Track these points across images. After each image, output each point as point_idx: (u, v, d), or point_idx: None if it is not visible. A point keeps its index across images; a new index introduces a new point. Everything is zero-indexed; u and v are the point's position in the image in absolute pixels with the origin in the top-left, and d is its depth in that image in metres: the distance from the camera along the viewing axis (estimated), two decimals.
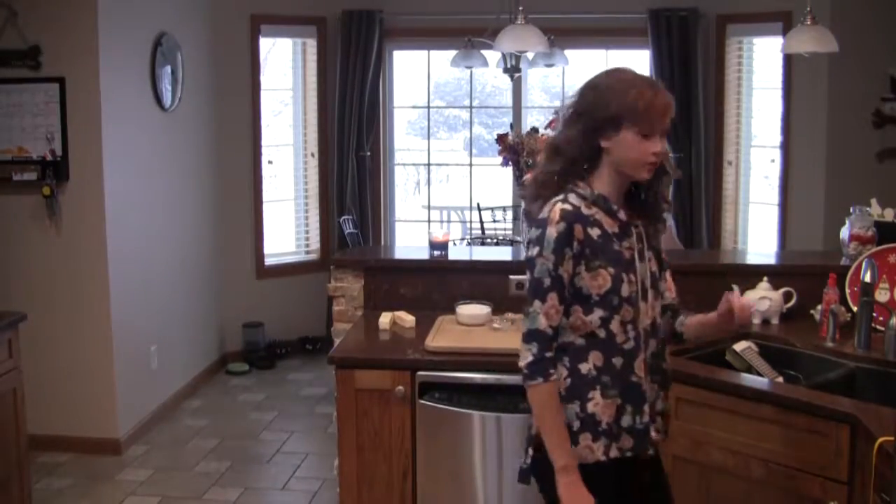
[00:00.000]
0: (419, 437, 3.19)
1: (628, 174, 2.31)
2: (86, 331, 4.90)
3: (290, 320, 6.74)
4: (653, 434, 2.38)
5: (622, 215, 2.33)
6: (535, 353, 2.29)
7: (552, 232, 2.27)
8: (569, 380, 2.32)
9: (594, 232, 2.29)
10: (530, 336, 2.30)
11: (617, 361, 2.31)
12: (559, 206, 2.29)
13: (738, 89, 6.53)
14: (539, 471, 2.39)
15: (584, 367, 2.31)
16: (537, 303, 2.29)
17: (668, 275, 2.49)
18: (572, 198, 2.31)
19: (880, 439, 2.37)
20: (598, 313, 2.30)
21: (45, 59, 4.74)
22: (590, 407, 2.31)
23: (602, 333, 2.31)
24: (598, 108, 2.27)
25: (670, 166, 2.37)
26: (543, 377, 2.28)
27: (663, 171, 2.34)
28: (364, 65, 6.68)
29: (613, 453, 2.32)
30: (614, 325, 2.30)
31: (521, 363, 2.31)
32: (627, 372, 2.32)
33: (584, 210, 2.30)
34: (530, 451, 2.42)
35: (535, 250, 2.30)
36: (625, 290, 2.30)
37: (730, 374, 3.03)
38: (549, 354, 2.29)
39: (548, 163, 2.37)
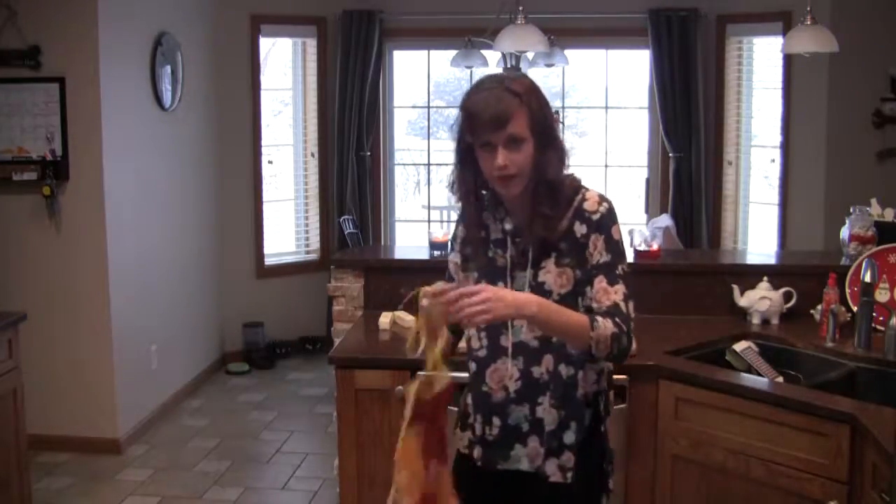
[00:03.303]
0: None
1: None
2: (86, 331, 4.90)
3: (290, 320, 6.74)
4: (527, 453, 2.24)
5: (507, 224, 2.27)
6: None
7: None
8: None
9: (476, 235, 2.30)
10: None
11: (471, 366, 2.32)
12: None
13: (738, 89, 6.53)
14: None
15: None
16: None
17: (597, 283, 2.19)
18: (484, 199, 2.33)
19: (880, 439, 2.37)
20: None
21: (45, 59, 4.74)
22: (469, 398, 2.36)
23: (467, 336, 2.34)
24: None
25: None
26: None
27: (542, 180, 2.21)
28: (364, 65, 6.68)
29: (476, 453, 2.31)
30: (471, 330, 2.30)
31: None
32: (479, 380, 2.29)
33: (484, 213, 2.30)
34: None
35: None
36: None
37: (730, 374, 3.03)
38: None
39: None
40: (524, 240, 2.23)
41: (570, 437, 2.24)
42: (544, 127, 2.17)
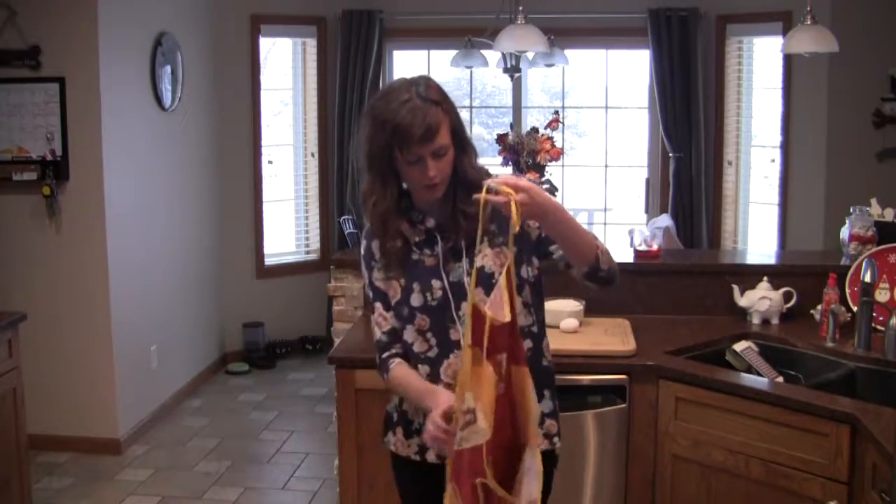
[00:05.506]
0: None
1: None
2: (86, 331, 4.89)
3: (290, 320, 6.74)
4: None
5: (429, 223, 2.26)
6: (377, 357, 2.34)
7: (361, 250, 2.34)
8: None
9: (394, 244, 2.26)
10: (375, 345, 2.35)
11: (422, 369, 2.27)
12: (367, 224, 2.32)
13: (738, 89, 6.53)
14: None
15: None
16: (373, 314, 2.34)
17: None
18: None
19: (880, 439, 2.37)
20: (397, 322, 2.30)
21: (45, 59, 4.74)
22: (405, 405, 2.34)
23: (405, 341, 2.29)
24: None
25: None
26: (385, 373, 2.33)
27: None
28: (364, 65, 6.68)
29: (431, 458, 2.29)
30: (408, 335, 2.27)
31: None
32: (433, 380, 2.25)
33: (390, 224, 2.26)
34: None
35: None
36: (416, 300, 2.25)
37: (730, 374, 3.03)
38: (385, 356, 2.32)
39: None
40: (453, 234, 2.24)
41: (547, 406, 2.31)
42: (461, 132, 2.21)
